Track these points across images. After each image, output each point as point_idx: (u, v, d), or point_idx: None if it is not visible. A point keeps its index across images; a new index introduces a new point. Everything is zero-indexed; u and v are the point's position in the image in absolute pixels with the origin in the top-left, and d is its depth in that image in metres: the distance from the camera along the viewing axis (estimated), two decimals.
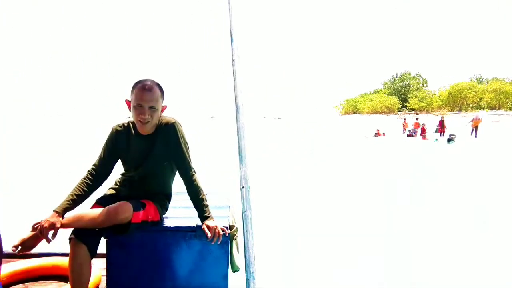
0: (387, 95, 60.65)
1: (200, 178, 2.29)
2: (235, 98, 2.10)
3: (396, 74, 65.66)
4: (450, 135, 21.17)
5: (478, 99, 51.01)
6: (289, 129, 36.84)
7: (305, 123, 47.67)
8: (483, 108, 47.38)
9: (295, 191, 8.63)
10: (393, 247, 4.98)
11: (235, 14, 2.40)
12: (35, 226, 2.02)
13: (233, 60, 2.21)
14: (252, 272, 1.58)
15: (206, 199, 2.21)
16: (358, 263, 4.50)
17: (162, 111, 2.23)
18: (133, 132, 2.29)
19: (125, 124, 2.34)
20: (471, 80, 58.37)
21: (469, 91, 51.37)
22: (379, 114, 54.10)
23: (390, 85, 65.41)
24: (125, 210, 2.04)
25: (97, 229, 2.08)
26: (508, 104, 48.49)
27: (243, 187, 1.79)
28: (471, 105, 51.17)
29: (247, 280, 1.58)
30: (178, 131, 2.23)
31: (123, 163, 2.37)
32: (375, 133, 28.04)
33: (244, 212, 1.72)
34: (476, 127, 25.78)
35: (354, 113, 61.84)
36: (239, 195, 1.90)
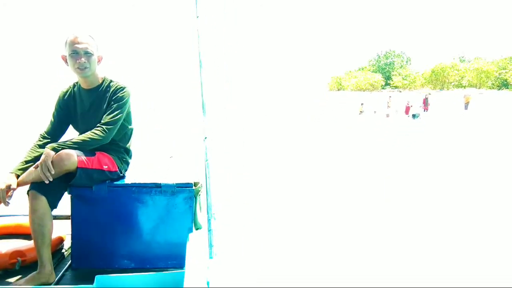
0: (372, 72, 60.88)
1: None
2: (199, 55, 2.09)
3: (381, 52, 65.83)
4: (415, 113, 23.50)
5: (460, 78, 51.76)
6: (276, 104, 36.87)
7: (293, 98, 47.86)
8: (464, 87, 48.12)
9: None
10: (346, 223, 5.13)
11: None
12: None
13: (197, 17, 2.18)
14: (213, 213, 1.65)
15: (77, 143, 2.12)
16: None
17: (99, 61, 2.30)
18: (79, 90, 2.36)
19: (70, 86, 2.41)
20: (453, 59, 58.94)
21: (452, 69, 52.00)
22: (363, 91, 54.41)
23: (374, 63, 65.57)
24: (68, 156, 2.06)
25: (57, 182, 2.07)
26: (489, 83, 49.38)
27: (206, 137, 1.81)
28: (453, 83, 51.92)
29: (208, 220, 1.65)
30: (125, 94, 2.30)
31: (73, 123, 2.40)
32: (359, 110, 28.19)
33: (207, 160, 1.76)
34: (467, 103, 29.57)
35: (339, 90, 62.04)
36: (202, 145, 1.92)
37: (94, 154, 2.22)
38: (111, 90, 2.30)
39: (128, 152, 2.48)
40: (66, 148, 2.07)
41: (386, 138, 14.92)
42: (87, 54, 2.19)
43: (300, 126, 18.90)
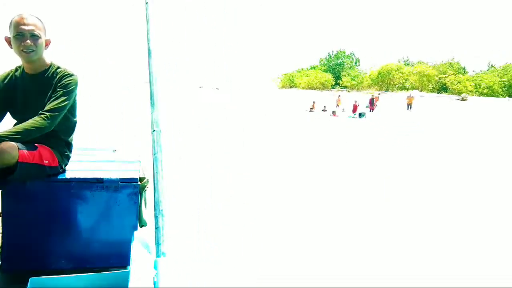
0: (323, 71, 62.43)
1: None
2: (147, 42, 1.99)
3: (332, 52, 67.63)
4: (361, 112, 25.07)
5: (403, 80, 54.54)
6: (227, 99, 36.79)
7: (243, 95, 48.07)
8: (408, 89, 50.78)
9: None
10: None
11: None
12: None
13: (146, 3, 2.08)
14: (161, 210, 1.58)
15: (18, 132, 1.95)
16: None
17: (46, 45, 2.18)
18: (22, 75, 2.20)
19: (12, 70, 2.25)
20: (399, 62, 61.97)
21: (397, 72, 54.66)
22: (315, 89, 55.67)
23: (326, 62, 67.28)
24: (9, 148, 1.89)
25: None
26: (429, 86, 52.55)
27: (154, 130, 1.73)
28: (397, 85, 54.63)
29: (156, 217, 1.57)
30: (72, 81, 2.17)
31: (13, 110, 2.24)
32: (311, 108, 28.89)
33: (155, 154, 1.67)
34: (410, 104, 31.30)
35: (291, 87, 63.00)
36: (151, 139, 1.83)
37: (35, 148, 2.06)
38: (57, 76, 2.16)
39: (69, 145, 2.34)
40: (6, 139, 1.88)
41: (334, 135, 15.71)
42: (34, 36, 2.05)
43: (253, 120, 18.97)
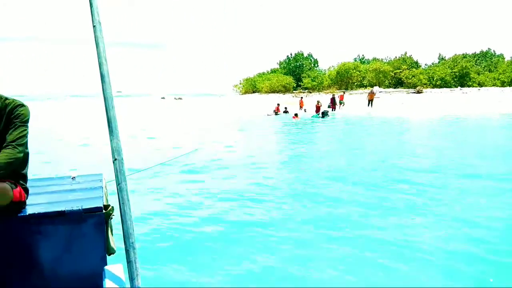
0: (283, 74, 63.14)
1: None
2: (99, 67, 1.92)
3: (291, 54, 68.55)
4: (324, 111, 25.47)
5: (361, 78, 56.15)
6: (189, 109, 36.46)
7: (205, 102, 47.96)
8: (366, 86, 52.29)
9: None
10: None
11: None
12: None
13: (94, 26, 2.00)
14: (132, 243, 1.51)
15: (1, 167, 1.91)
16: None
17: None
18: None
19: None
20: (355, 60, 63.74)
21: (354, 70, 56.18)
22: (277, 93, 56.22)
23: (285, 65, 68.07)
24: (6, 189, 1.87)
25: None
26: (386, 82, 54.39)
27: (115, 159, 1.66)
28: (355, 83, 56.15)
29: (127, 251, 1.50)
30: (26, 111, 2.10)
31: None
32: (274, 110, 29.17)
33: (119, 184, 1.61)
34: (371, 100, 31.87)
35: (254, 92, 63.33)
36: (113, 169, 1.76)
37: (15, 184, 2.02)
38: (8, 108, 2.05)
39: (25, 178, 2.21)
40: None
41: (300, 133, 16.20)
42: None
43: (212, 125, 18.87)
